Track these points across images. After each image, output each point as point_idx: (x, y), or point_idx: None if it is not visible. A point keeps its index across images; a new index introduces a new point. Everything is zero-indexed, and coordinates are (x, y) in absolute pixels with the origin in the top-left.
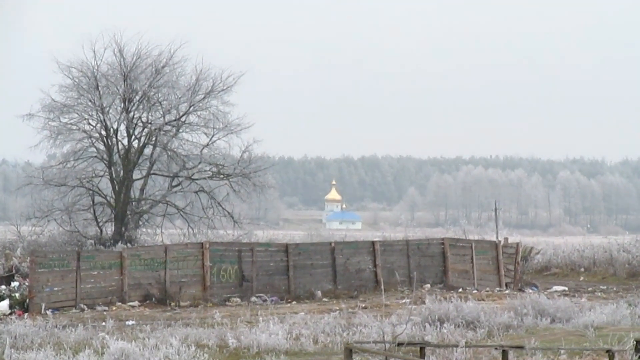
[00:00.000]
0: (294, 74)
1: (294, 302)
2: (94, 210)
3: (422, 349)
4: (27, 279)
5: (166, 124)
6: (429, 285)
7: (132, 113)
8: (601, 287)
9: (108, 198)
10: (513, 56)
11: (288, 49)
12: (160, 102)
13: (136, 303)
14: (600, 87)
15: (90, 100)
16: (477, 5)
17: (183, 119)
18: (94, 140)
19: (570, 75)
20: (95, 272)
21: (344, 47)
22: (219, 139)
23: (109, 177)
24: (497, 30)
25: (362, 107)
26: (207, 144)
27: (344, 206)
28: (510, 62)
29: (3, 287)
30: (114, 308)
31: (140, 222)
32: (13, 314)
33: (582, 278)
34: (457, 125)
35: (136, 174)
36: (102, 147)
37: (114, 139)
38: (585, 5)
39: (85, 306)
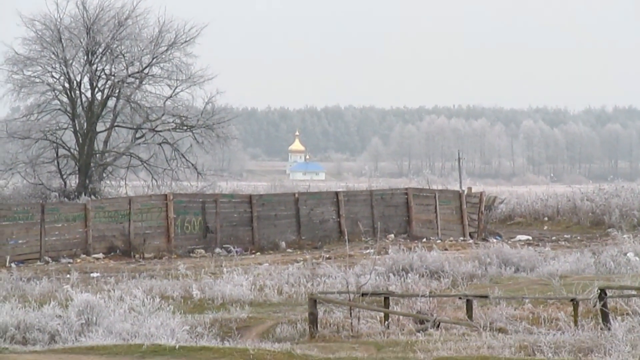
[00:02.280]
0: (258, 24)
1: (258, 253)
2: (58, 163)
3: (386, 299)
4: None
5: (129, 76)
6: (392, 236)
7: (95, 65)
8: (565, 236)
9: (72, 150)
10: (476, 5)
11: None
12: (123, 55)
13: (100, 255)
14: (562, 37)
15: (53, 53)
16: None
17: (146, 71)
18: (57, 93)
19: (532, 24)
20: (60, 225)
21: None
22: (182, 90)
23: (72, 129)
24: None
25: (325, 57)
26: (170, 96)
27: (307, 157)
28: (472, 12)
29: None
30: (79, 260)
31: (104, 175)
32: None
33: (545, 227)
34: (420, 75)
35: (100, 127)
36: (65, 99)
37: (78, 92)
38: None
39: (49, 259)
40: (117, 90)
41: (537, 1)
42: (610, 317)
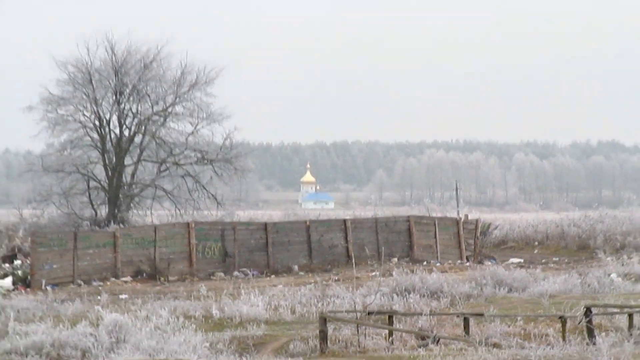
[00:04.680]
0: (274, 64)
1: (273, 276)
2: (89, 194)
3: (390, 317)
4: (29, 258)
5: (154, 114)
6: (396, 259)
7: (123, 104)
8: (554, 258)
9: (102, 183)
10: (467, 47)
11: (267, 41)
12: (148, 95)
13: (128, 278)
14: (550, 75)
15: (84, 94)
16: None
17: (169, 109)
18: (88, 130)
19: (520, 64)
20: (91, 251)
21: (316, 43)
22: (202, 127)
23: (102, 163)
24: (448, 22)
25: (334, 95)
26: (192, 132)
27: (318, 187)
28: (465, 53)
29: (7, 265)
30: (108, 283)
31: (132, 205)
32: (16, 290)
33: (536, 251)
34: (422, 112)
35: (127, 161)
36: (96, 136)
37: (107, 129)
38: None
39: (81, 282)
40: (143, 127)
41: (520, 41)
42: (595, 333)
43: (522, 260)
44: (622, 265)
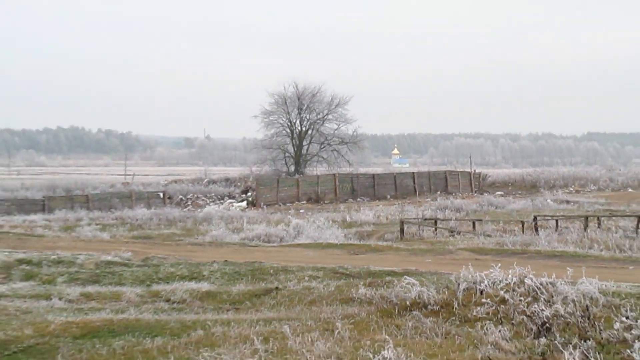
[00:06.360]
0: (380, 73)
1: (377, 201)
2: (285, 160)
3: (435, 221)
4: (254, 191)
5: (317, 119)
6: (438, 192)
7: (302, 115)
8: (519, 192)
9: (291, 154)
10: (488, 59)
11: (381, 72)
12: (315, 110)
13: (304, 202)
14: (525, 79)
15: (282, 109)
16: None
17: (325, 117)
18: (284, 128)
19: (524, 70)
20: (286, 188)
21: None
22: (341, 126)
23: (291, 144)
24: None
25: (414, 95)
26: (336, 128)
27: (400, 156)
28: (482, 65)
29: (243, 195)
30: (294, 204)
31: (306, 165)
32: (248, 208)
33: (509, 188)
34: (454, 110)
35: (304, 142)
36: (288, 131)
37: (294, 127)
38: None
39: (281, 203)
40: (312, 126)
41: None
42: (538, 229)
43: (502, 193)
44: (553, 195)
